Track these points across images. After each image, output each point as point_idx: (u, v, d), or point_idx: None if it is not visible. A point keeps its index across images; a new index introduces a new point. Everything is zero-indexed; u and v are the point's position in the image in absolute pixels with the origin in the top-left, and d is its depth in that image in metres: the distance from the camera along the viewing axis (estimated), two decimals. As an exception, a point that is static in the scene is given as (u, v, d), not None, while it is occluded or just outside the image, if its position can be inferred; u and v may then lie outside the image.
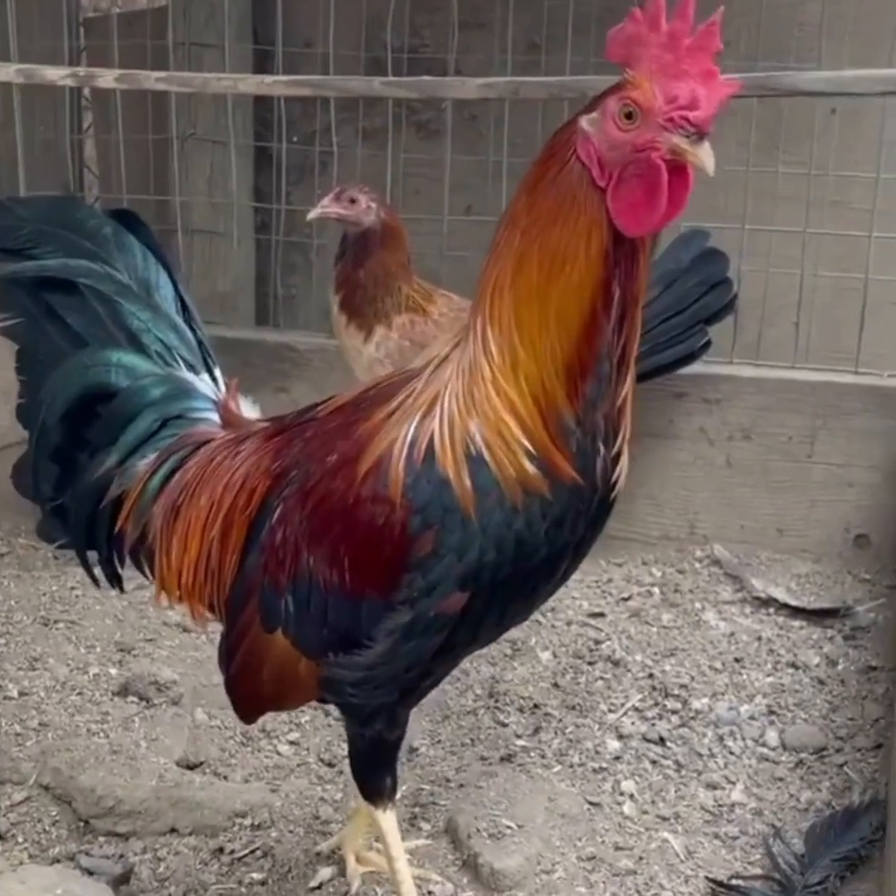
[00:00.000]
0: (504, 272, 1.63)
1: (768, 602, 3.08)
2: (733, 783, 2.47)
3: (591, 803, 2.39)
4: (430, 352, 1.79)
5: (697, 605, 3.09)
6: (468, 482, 1.63)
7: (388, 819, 1.94)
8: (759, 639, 2.92)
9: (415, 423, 1.67)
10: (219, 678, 2.66)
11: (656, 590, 3.16)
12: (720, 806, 2.41)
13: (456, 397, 1.66)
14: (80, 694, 2.62)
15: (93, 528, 2.00)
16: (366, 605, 1.71)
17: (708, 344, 3.14)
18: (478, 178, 3.98)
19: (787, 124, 3.48)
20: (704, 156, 1.54)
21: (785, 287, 3.49)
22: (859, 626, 2.98)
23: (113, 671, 2.70)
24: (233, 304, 4.14)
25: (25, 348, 2.03)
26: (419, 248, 3.52)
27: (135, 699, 2.62)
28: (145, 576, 2.03)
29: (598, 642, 2.91)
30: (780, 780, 2.48)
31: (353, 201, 3.05)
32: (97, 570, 2.08)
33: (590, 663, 2.84)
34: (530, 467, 1.63)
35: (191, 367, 2.00)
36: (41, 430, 1.97)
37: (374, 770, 1.92)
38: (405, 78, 3.18)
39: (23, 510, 3.69)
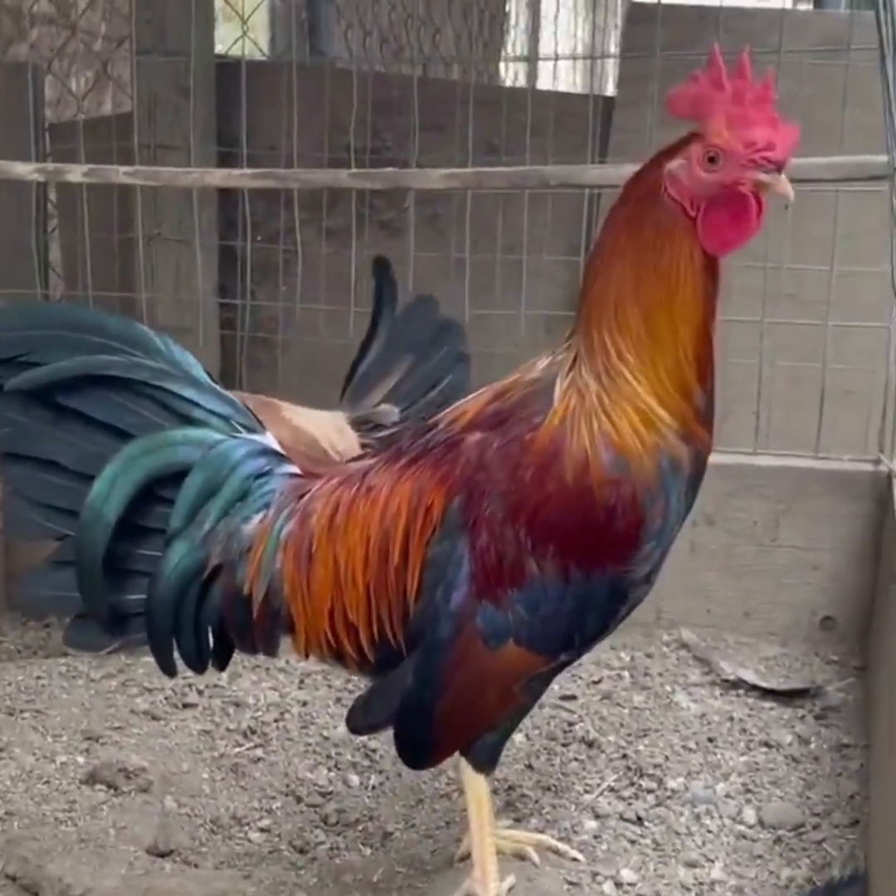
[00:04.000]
0: (623, 294, 1.91)
1: (738, 684, 3.08)
2: (712, 861, 2.43)
3: (570, 883, 2.35)
4: (527, 371, 1.97)
5: (667, 687, 3.08)
6: (652, 459, 1.87)
7: (487, 787, 2.07)
8: (731, 719, 2.92)
9: (588, 422, 1.88)
10: (188, 765, 2.67)
11: (626, 673, 3.16)
12: (700, 884, 2.37)
13: (607, 397, 1.89)
14: (46, 783, 2.57)
15: (181, 615, 1.95)
16: (608, 586, 1.90)
17: None
18: (440, 274, 4.05)
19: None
20: (785, 186, 1.88)
21: (744, 376, 3.56)
22: (830, 706, 2.98)
23: (80, 759, 2.65)
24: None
25: (19, 457, 1.93)
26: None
27: (103, 787, 2.57)
28: (253, 650, 2.01)
29: (571, 724, 2.90)
30: (760, 857, 2.45)
31: None
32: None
33: (564, 744, 2.82)
34: (681, 440, 1.91)
35: (250, 430, 2.01)
36: (90, 539, 1.89)
37: (504, 739, 2.06)
38: (371, 170, 3.25)
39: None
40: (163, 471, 1.92)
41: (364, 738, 2.84)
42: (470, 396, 2.02)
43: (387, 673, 1.98)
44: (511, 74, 6.18)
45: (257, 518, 1.97)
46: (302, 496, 1.99)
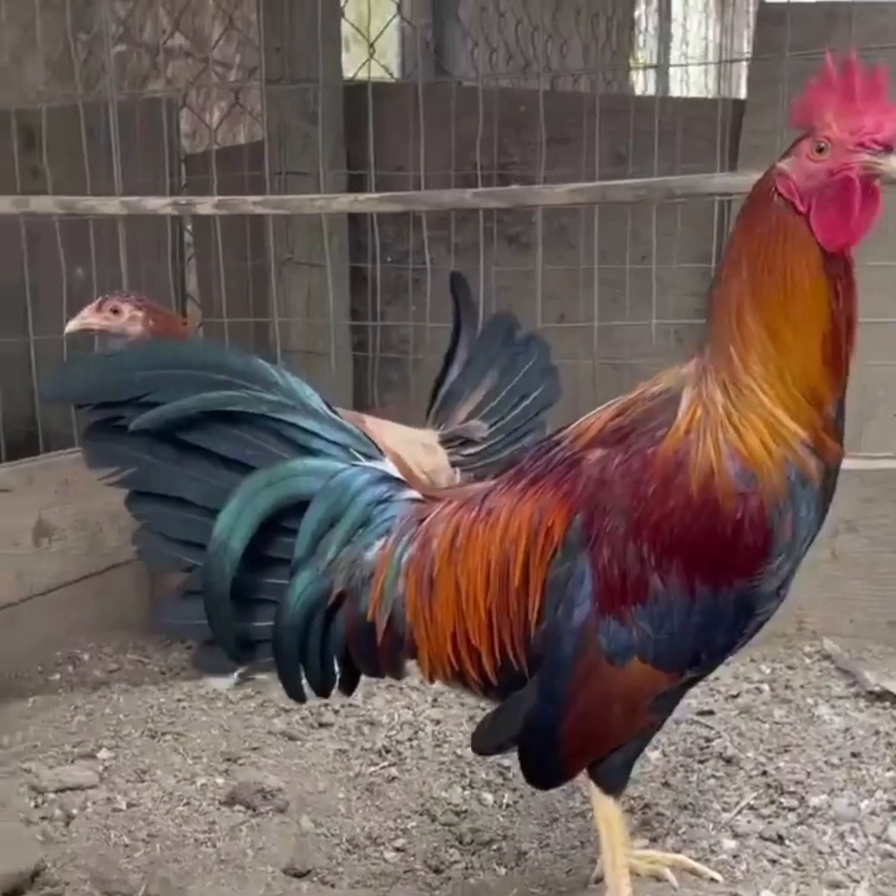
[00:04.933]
0: (742, 300, 1.86)
1: (883, 696, 2.98)
2: (857, 882, 2.36)
3: (708, 904, 2.31)
4: (650, 386, 1.95)
5: (809, 700, 3.00)
6: (780, 472, 1.83)
7: (617, 808, 2.05)
8: (877, 733, 2.82)
9: (714, 434, 1.84)
10: (324, 784, 2.70)
11: (766, 686, 3.09)
12: (844, 905, 2.31)
13: (734, 409, 1.85)
14: (187, 804, 2.62)
15: (307, 642, 1.98)
16: (736, 601, 1.86)
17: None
18: (569, 287, 4.05)
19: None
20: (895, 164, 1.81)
21: (885, 378, 3.46)
22: (981, 719, 2.87)
23: (219, 780, 2.69)
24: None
25: (148, 495, 1.97)
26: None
27: (241, 808, 2.61)
28: (379, 674, 2.04)
29: (708, 740, 2.84)
30: (907, 877, 2.37)
31: (115, 311, 3.00)
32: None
33: (701, 761, 2.77)
34: (811, 452, 1.86)
35: (369, 457, 2.02)
36: (217, 571, 1.92)
37: (631, 760, 2.03)
38: (495, 188, 3.24)
39: (131, 627, 3.79)
40: (285, 502, 1.93)
41: (498, 756, 2.84)
42: (591, 413, 2.00)
43: (511, 695, 1.97)
44: (640, 80, 6.13)
45: (379, 545, 1.98)
46: (422, 521, 1.99)
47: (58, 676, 3.44)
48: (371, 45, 4.26)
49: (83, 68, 4.35)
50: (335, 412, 2.02)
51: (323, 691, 2.05)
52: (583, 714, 1.91)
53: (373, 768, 2.80)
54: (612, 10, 5.96)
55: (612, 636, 1.86)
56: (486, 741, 2.04)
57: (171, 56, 4.58)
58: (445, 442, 3.14)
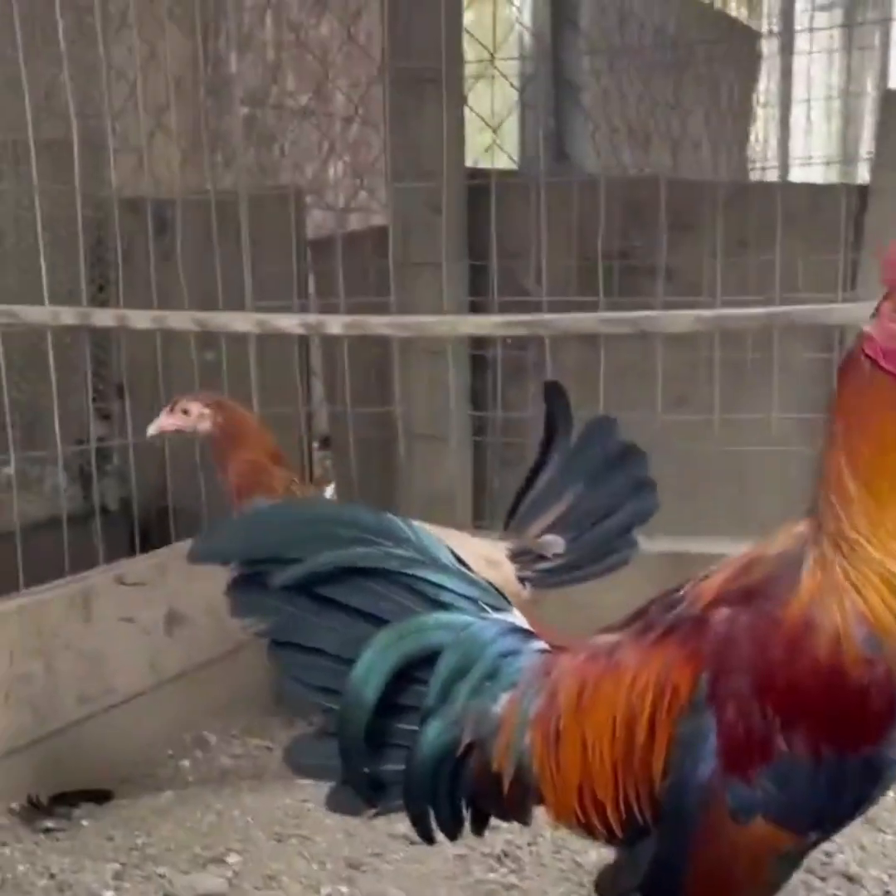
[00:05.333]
0: (840, 457, 1.88)
1: None
2: None
3: None
4: (770, 544, 1.95)
5: (937, 813, 2.96)
6: None
7: None
8: None
9: (838, 597, 1.84)
10: (444, 892, 2.74)
11: (891, 792, 3.04)
12: None
13: (851, 569, 1.85)
14: (312, 914, 2.68)
15: (436, 789, 2.01)
16: (862, 766, 1.85)
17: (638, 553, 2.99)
18: (688, 370, 4.05)
19: None
20: None
21: None
22: None
23: (343, 889, 2.74)
24: (450, 503, 4.28)
25: (288, 645, 2.02)
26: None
27: (365, 920, 2.66)
28: (507, 819, 2.07)
29: (829, 854, 2.81)
30: None
31: (185, 412, 3.08)
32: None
33: (822, 879, 2.74)
34: None
35: (498, 609, 2.06)
36: (351, 719, 1.97)
37: None
38: (618, 313, 3.25)
39: (255, 707, 3.88)
40: (417, 654, 1.98)
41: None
42: (712, 569, 2.02)
43: (635, 845, 1.99)
44: (759, 166, 6.11)
45: (506, 697, 2.01)
46: (549, 673, 2.01)
47: (187, 763, 3.55)
48: (495, 131, 4.34)
49: (212, 157, 4.50)
50: (465, 566, 2.08)
51: (452, 834, 2.10)
52: (706, 870, 1.92)
53: (492, 875, 2.83)
54: (729, 100, 5.93)
55: (736, 794, 1.87)
56: (609, 890, 2.07)
57: (298, 144, 4.70)
58: (517, 556, 3.05)
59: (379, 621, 2.00)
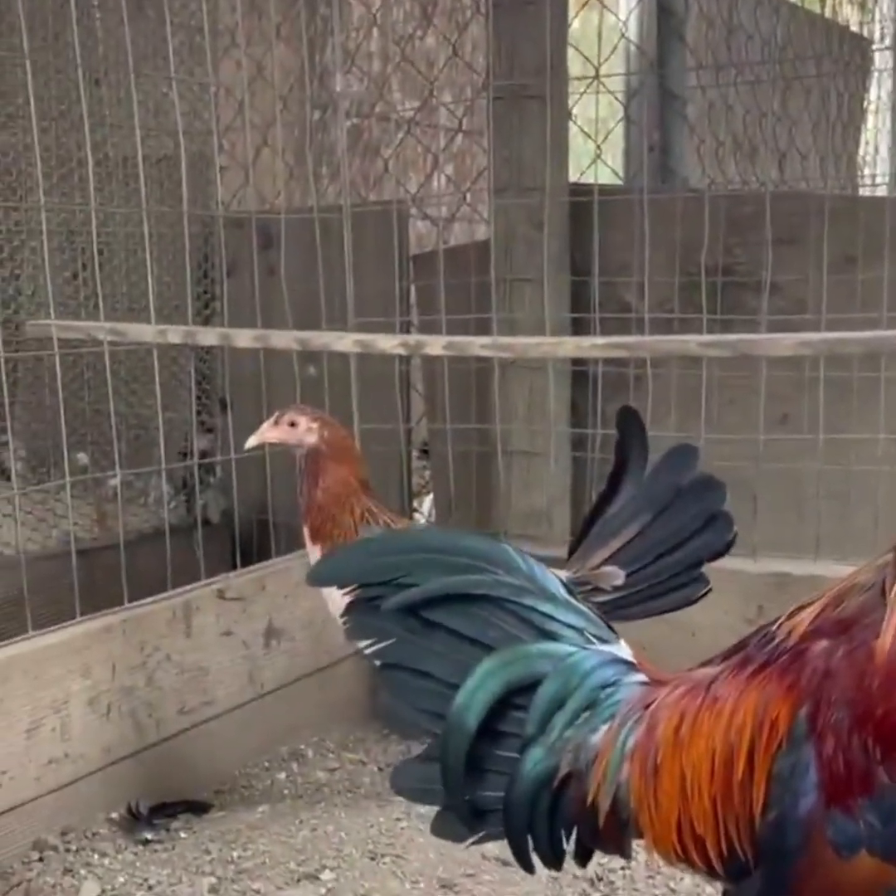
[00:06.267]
0: None
1: None
2: None
3: None
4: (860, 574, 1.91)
5: None
6: None
7: None
8: None
9: None
10: (539, 920, 2.73)
11: None
12: None
13: None
14: (404, 934, 2.68)
15: (535, 819, 2.00)
16: None
17: (708, 592, 2.82)
18: (792, 388, 3.98)
19: None
20: None
21: None
22: None
23: (436, 909, 2.76)
24: (547, 519, 4.26)
25: (398, 667, 2.06)
26: (732, 460, 3.54)
27: (458, 941, 2.66)
28: (606, 851, 2.04)
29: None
30: None
31: (292, 424, 3.06)
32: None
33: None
34: None
35: (602, 640, 2.06)
36: (453, 745, 1.98)
37: None
38: (719, 336, 3.18)
39: (351, 720, 3.91)
40: (518, 683, 1.98)
41: (710, 890, 2.82)
42: (802, 602, 1.99)
43: (737, 880, 1.97)
44: (869, 179, 6.00)
45: (604, 728, 1.99)
46: (648, 706, 1.99)
47: (283, 775, 3.58)
48: (598, 146, 4.31)
49: (316, 171, 4.54)
50: (572, 595, 2.08)
51: (553, 864, 2.09)
52: None
53: (586, 900, 2.82)
54: (838, 111, 5.81)
55: (838, 828, 1.83)
56: None
57: (400, 157, 4.73)
58: (574, 586, 3.01)
59: (485, 648, 2.01)
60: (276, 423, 3.13)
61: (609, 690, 2.01)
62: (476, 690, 1.98)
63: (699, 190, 4.31)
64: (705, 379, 3.87)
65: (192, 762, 3.40)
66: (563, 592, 2.07)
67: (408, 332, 4.39)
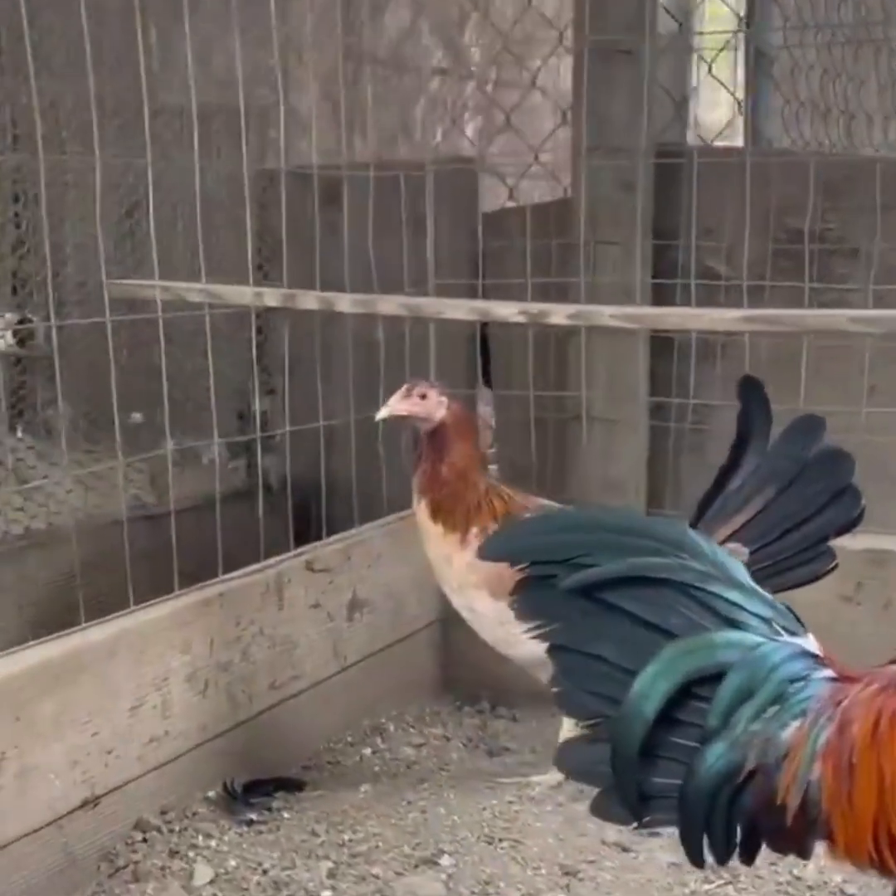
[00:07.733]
0: None
1: None
2: None
3: None
4: None
5: None
6: None
7: None
8: None
9: None
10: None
11: None
12: None
13: None
14: (536, 922, 2.59)
15: (713, 813, 1.91)
16: None
17: (834, 567, 2.74)
18: (883, 356, 3.88)
19: None
20: None
21: None
22: None
23: (563, 896, 2.67)
24: (624, 489, 4.16)
25: (568, 648, 1.98)
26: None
27: (588, 929, 2.57)
28: (784, 852, 1.94)
29: None
30: None
31: (423, 397, 2.99)
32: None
33: None
34: None
35: (790, 632, 1.96)
36: (628, 733, 1.90)
37: None
38: (871, 312, 3.06)
39: (426, 692, 3.82)
40: (702, 672, 1.89)
41: (839, 879, 2.74)
42: None
43: None
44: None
45: (794, 724, 1.89)
46: (839, 703, 1.89)
47: (369, 751, 3.48)
48: (681, 106, 4.18)
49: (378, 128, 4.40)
50: (758, 585, 1.97)
51: (723, 860, 1.99)
52: None
53: (708, 887, 2.73)
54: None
55: None
56: None
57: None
58: None
59: (665, 634, 1.91)
60: (407, 395, 3.03)
61: (798, 685, 1.91)
62: (656, 678, 1.88)
63: (797, 153, 4.18)
64: (805, 349, 3.75)
65: (280, 738, 3.30)
66: (749, 580, 1.97)
67: (483, 296, 4.25)
